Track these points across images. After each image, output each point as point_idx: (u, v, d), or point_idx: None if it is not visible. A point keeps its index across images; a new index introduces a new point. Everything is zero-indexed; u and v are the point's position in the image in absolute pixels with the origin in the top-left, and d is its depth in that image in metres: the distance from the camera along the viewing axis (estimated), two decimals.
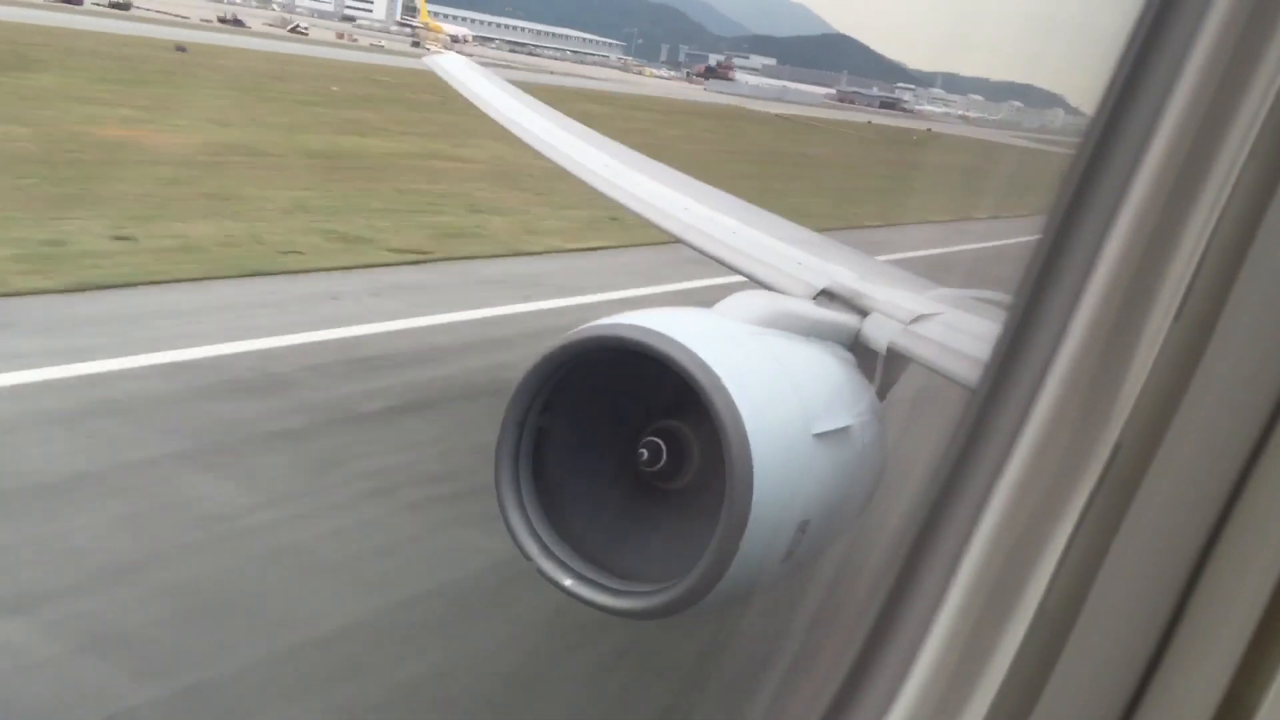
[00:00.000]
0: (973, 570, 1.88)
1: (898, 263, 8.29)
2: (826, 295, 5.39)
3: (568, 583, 4.17)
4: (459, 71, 11.90)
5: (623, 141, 11.67)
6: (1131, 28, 1.88)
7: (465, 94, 10.61)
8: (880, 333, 5.02)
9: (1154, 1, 1.86)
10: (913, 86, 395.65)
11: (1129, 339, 1.83)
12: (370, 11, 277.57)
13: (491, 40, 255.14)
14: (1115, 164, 1.88)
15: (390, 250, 20.21)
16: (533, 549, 4.19)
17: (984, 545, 1.88)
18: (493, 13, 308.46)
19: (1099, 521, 1.83)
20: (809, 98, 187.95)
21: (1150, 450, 1.81)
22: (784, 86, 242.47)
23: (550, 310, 16.90)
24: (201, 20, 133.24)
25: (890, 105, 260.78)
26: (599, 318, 4.53)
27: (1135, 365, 1.82)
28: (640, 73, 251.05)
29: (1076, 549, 1.84)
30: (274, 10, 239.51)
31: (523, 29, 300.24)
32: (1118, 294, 1.83)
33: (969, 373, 4.28)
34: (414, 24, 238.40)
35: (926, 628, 1.91)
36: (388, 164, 32.72)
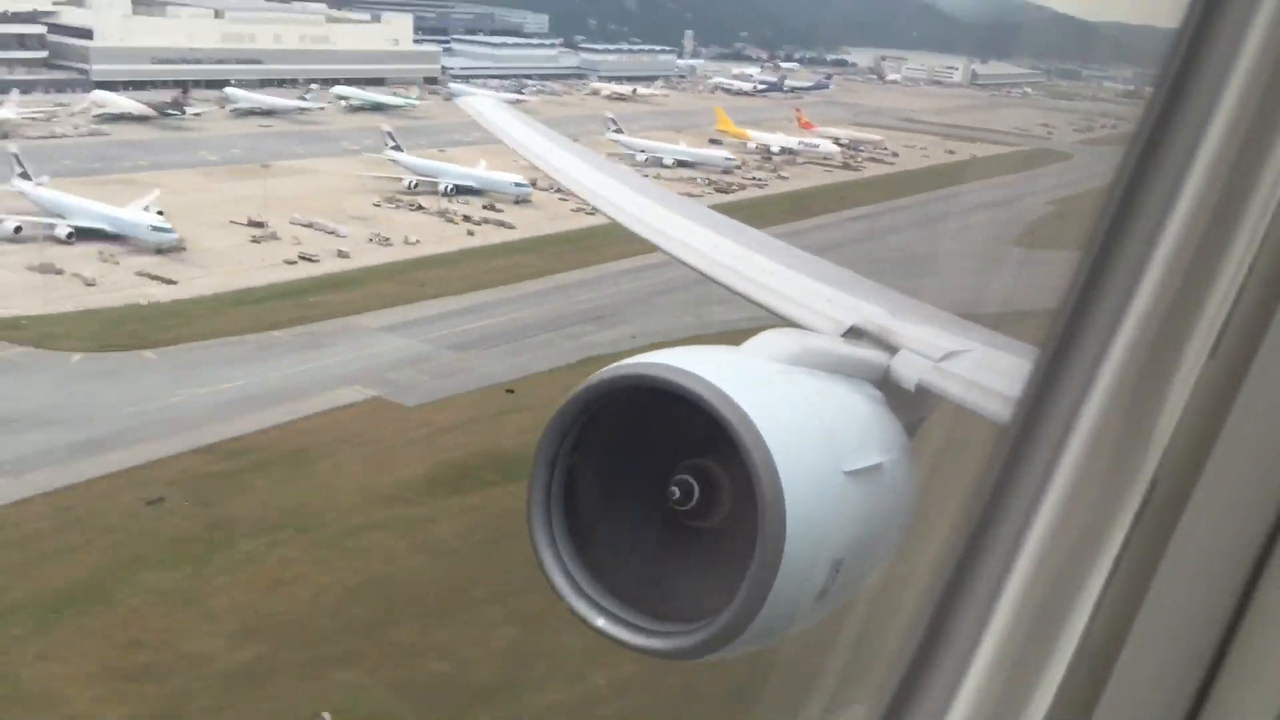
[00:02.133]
0: (1010, 609, 1.93)
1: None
2: (855, 332, 5.52)
3: (600, 622, 4.31)
4: (489, 111, 12.01)
5: None
6: (1163, 62, 1.94)
7: (496, 133, 10.83)
8: (910, 370, 5.13)
9: (1186, 35, 1.90)
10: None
11: (1163, 376, 1.88)
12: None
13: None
14: (1150, 202, 1.93)
15: None
16: (566, 589, 4.36)
17: (1021, 584, 1.93)
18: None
19: (1138, 559, 1.87)
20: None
21: (1187, 487, 1.85)
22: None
23: None
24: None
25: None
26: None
27: (1170, 402, 1.87)
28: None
29: (1116, 586, 1.88)
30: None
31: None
32: (1151, 331, 1.89)
33: (1001, 410, 4.37)
34: None
35: (965, 667, 1.95)
36: None
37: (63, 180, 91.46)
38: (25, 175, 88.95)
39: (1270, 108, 1.86)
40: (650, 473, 4.39)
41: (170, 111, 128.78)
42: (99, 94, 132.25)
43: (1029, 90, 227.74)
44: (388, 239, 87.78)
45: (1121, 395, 1.90)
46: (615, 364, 4.47)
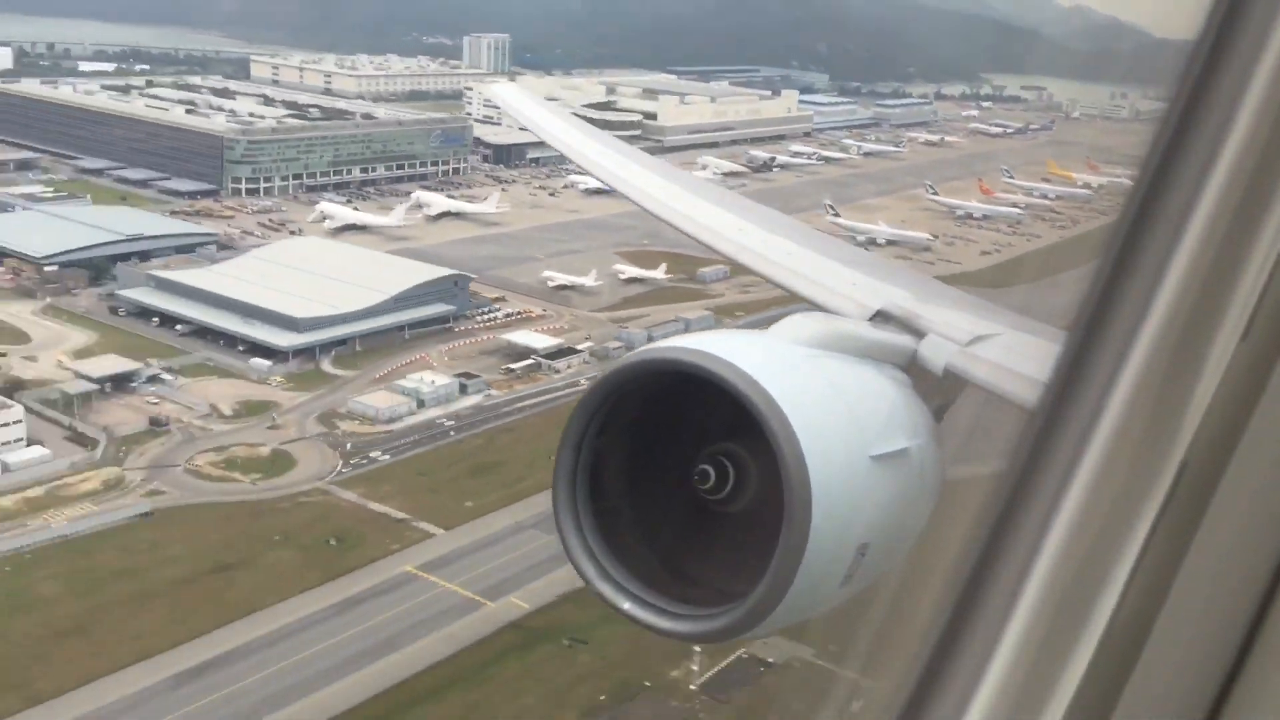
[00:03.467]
0: (1038, 591, 1.77)
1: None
2: (882, 316, 5.13)
3: (626, 606, 4.05)
4: (518, 101, 11.40)
5: None
6: (1194, 45, 1.74)
7: (526, 124, 10.35)
8: (937, 354, 4.79)
9: (1218, 15, 1.73)
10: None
11: (1195, 358, 1.71)
12: None
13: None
14: (1181, 180, 1.73)
15: None
16: (591, 572, 4.10)
17: (1049, 566, 1.77)
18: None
19: (1167, 541, 1.72)
20: None
21: (1218, 470, 1.71)
22: None
23: None
24: None
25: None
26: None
27: (1202, 384, 1.71)
28: None
29: (1145, 569, 1.72)
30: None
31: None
32: (1183, 312, 1.71)
33: (1029, 394, 3.96)
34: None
35: (992, 648, 1.78)
36: None
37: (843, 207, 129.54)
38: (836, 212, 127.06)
39: None
40: (677, 457, 4.16)
41: (761, 169, 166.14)
42: (705, 158, 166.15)
43: None
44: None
45: (1152, 379, 1.71)
46: (642, 348, 4.19)
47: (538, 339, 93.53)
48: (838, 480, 3.82)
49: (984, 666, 1.77)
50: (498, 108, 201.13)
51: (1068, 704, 1.73)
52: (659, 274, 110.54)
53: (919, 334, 4.95)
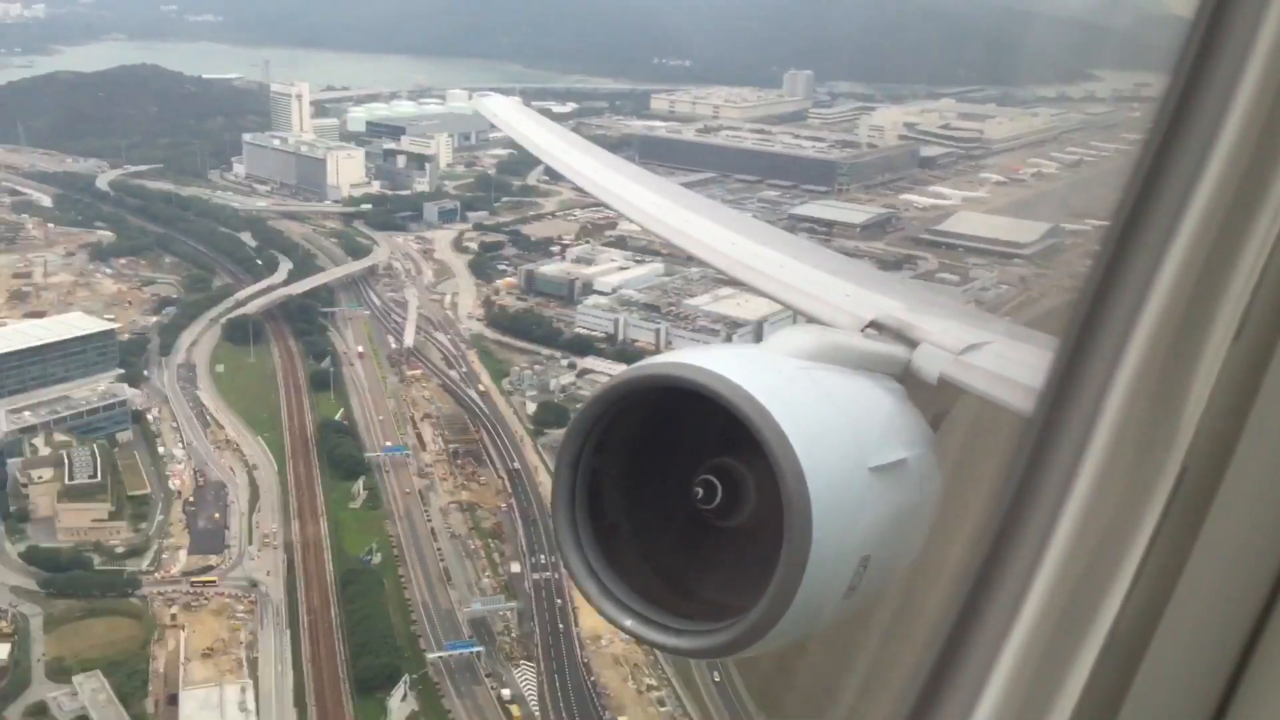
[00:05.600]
0: (1041, 598, 1.61)
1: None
2: (875, 326, 4.97)
3: (628, 623, 3.91)
4: (504, 112, 10.49)
5: None
6: (1183, 46, 1.59)
7: (512, 135, 9.55)
8: (931, 363, 4.54)
9: (1204, 19, 1.59)
10: None
11: (1188, 361, 1.57)
12: None
13: None
14: (1171, 184, 1.57)
15: None
16: (593, 591, 3.97)
17: (1052, 573, 1.61)
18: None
19: (1169, 546, 1.57)
20: None
21: (1218, 473, 1.56)
22: None
23: None
24: None
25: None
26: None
27: (1196, 388, 1.56)
28: None
29: (1147, 575, 1.57)
30: None
31: None
32: (1175, 317, 1.56)
33: (1025, 401, 3.58)
34: None
35: (996, 655, 1.62)
36: None
37: None
38: None
39: None
40: (674, 472, 3.97)
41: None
42: (1030, 160, 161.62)
43: None
44: None
45: (1146, 382, 1.56)
46: (636, 364, 4.00)
47: None
48: (837, 492, 3.64)
49: (988, 674, 1.60)
50: (880, 128, 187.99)
51: (1072, 709, 1.57)
52: None
53: (912, 344, 4.66)
